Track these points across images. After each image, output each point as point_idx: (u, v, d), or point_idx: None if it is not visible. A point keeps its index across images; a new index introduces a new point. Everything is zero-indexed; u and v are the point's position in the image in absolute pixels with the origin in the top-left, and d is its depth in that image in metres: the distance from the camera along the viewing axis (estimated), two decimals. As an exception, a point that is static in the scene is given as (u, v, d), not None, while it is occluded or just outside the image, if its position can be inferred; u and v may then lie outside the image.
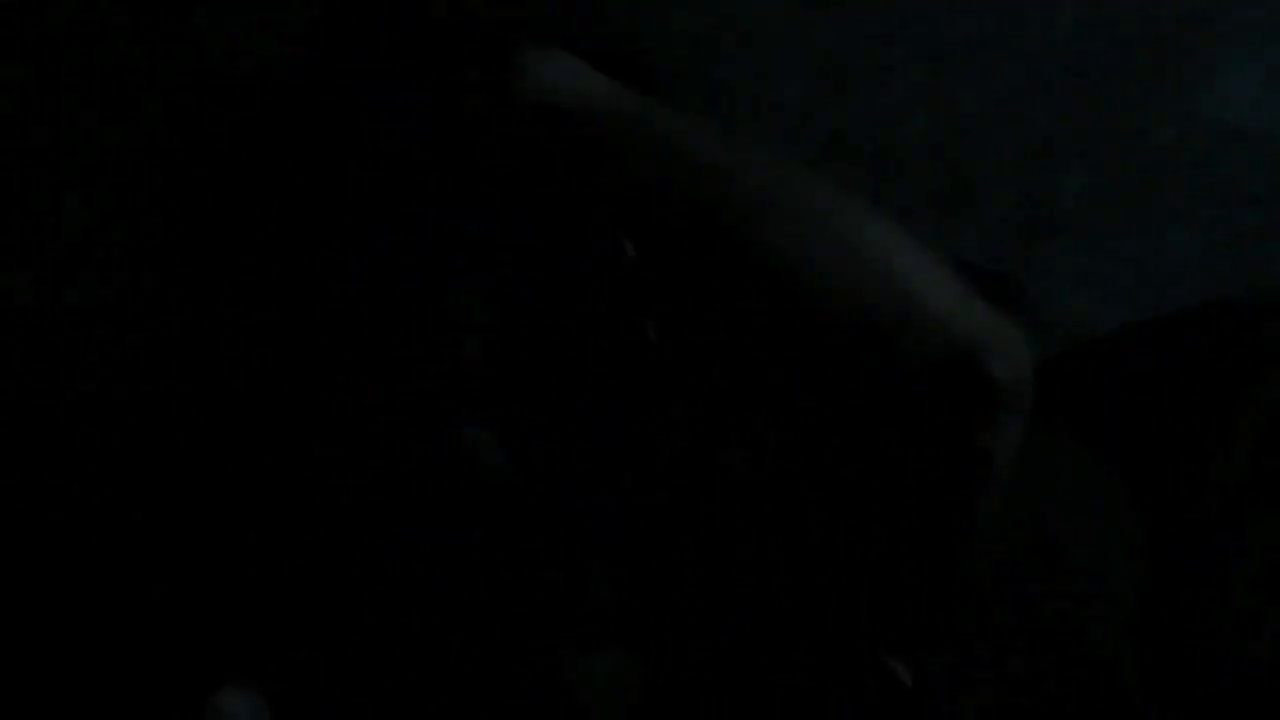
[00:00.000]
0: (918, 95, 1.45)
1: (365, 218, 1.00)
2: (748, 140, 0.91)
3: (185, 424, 1.10)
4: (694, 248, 0.90)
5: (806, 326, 0.87)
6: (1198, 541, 1.34)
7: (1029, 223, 1.49)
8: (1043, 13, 1.43)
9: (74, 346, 1.14)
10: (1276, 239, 1.51)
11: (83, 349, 1.11)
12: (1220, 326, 1.42)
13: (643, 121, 0.91)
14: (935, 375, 0.87)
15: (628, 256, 0.89)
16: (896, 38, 1.44)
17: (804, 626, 0.95)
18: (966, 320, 0.86)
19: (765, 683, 0.95)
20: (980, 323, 0.85)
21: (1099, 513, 1.12)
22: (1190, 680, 1.16)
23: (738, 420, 0.94)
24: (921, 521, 0.93)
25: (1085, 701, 1.04)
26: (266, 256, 1.08)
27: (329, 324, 1.04)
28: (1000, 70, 1.47)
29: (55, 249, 1.16)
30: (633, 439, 0.92)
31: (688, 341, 0.93)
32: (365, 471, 0.99)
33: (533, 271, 0.92)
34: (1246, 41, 1.48)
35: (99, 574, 1.06)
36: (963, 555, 0.95)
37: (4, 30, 1.15)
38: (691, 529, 0.94)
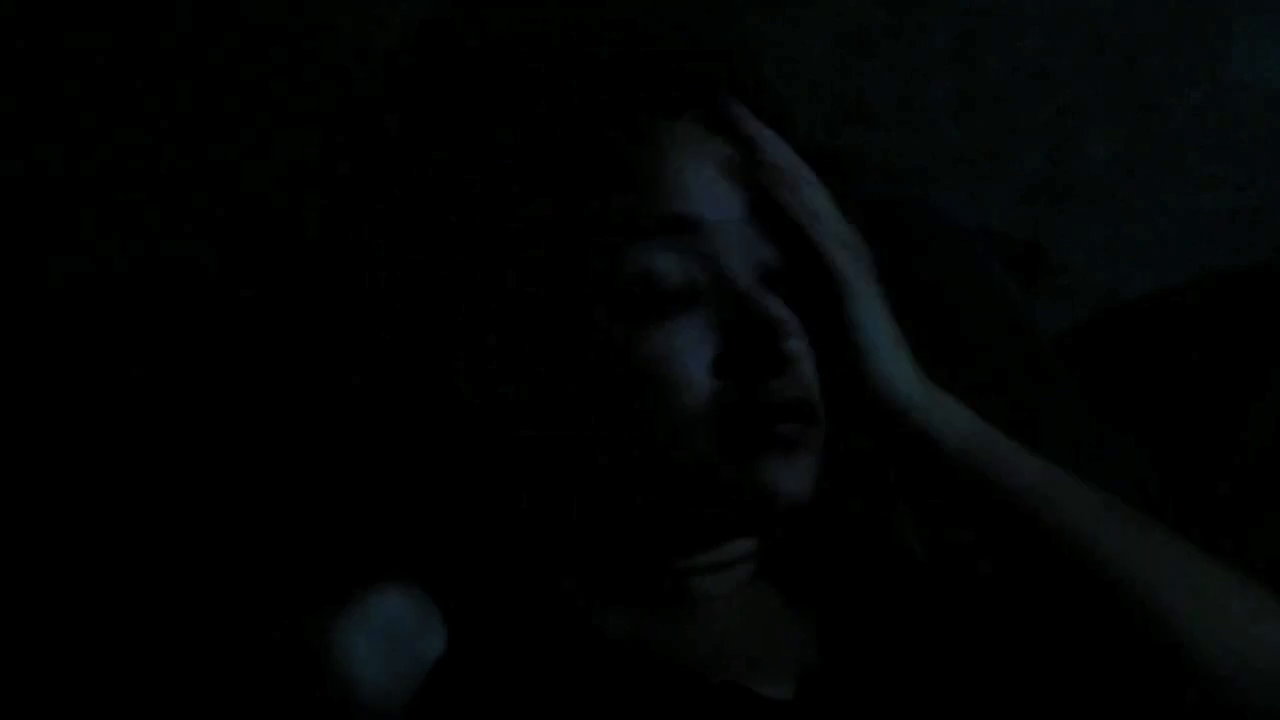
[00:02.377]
0: (942, 59, 1.43)
1: None
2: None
3: None
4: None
5: None
6: (1224, 512, 1.33)
7: (1053, 188, 1.48)
8: (1067, -25, 1.41)
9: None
10: (1304, 204, 1.50)
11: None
12: (1248, 292, 1.41)
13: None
14: None
15: None
16: (921, 4, 1.42)
17: None
18: None
19: None
20: None
21: (1129, 495, 1.11)
22: None
23: None
24: None
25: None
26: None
27: None
28: (1024, 34, 1.45)
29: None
30: None
31: None
32: None
33: None
34: (1270, 4, 1.46)
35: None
36: None
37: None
38: None
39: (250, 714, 0.82)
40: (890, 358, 0.84)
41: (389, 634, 0.82)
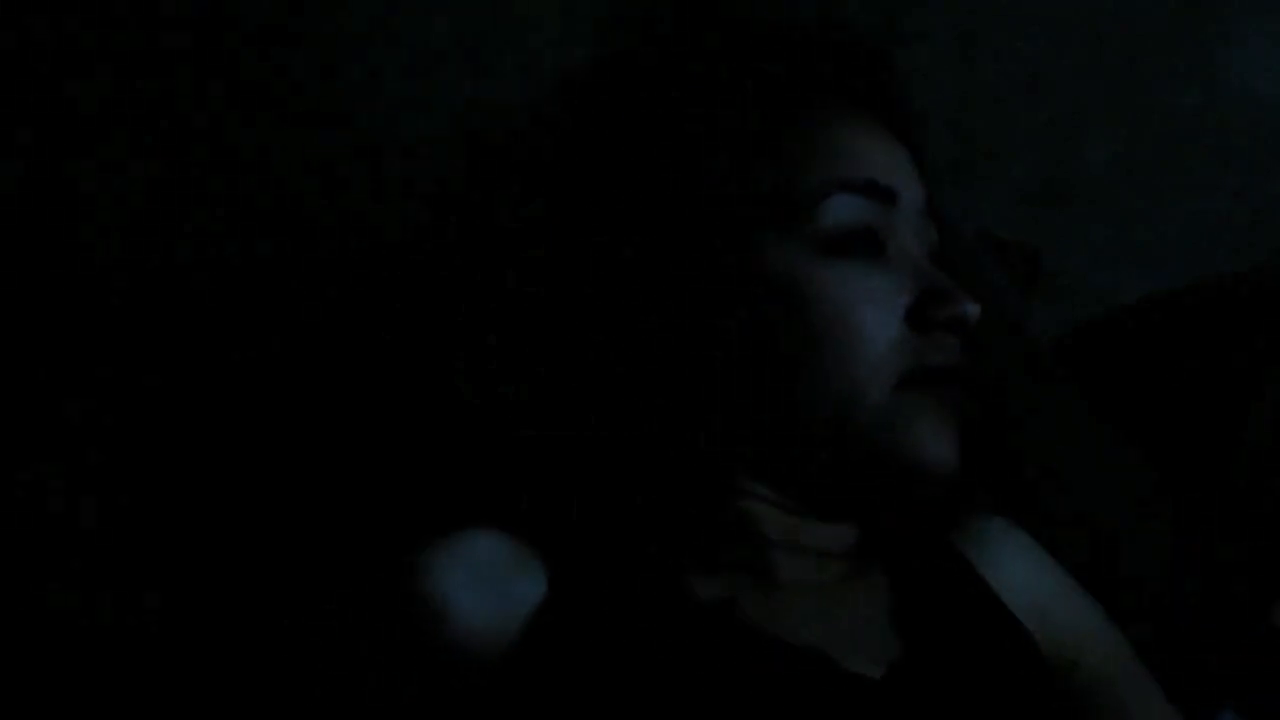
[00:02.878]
0: (940, 63, 1.43)
1: None
2: None
3: None
4: None
5: None
6: (1223, 516, 1.33)
7: (1052, 191, 1.48)
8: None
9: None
10: (1300, 207, 1.50)
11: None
12: (1245, 295, 1.41)
13: None
14: None
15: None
16: (920, 6, 1.42)
17: None
18: None
19: None
20: None
21: (1130, 496, 1.11)
22: (1212, 656, 1.14)
23: None
24: None
25: None
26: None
27: None
28: (1022, 38, 1.45)
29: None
30: None
31: None
32: None
33: None
34: (1269, 7, 1.46)
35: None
36: None
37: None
38: None
39: (348, 635, 0.85)
40: None
41: (486, 571, 0.84)
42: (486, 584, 0.83)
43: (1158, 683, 0.98)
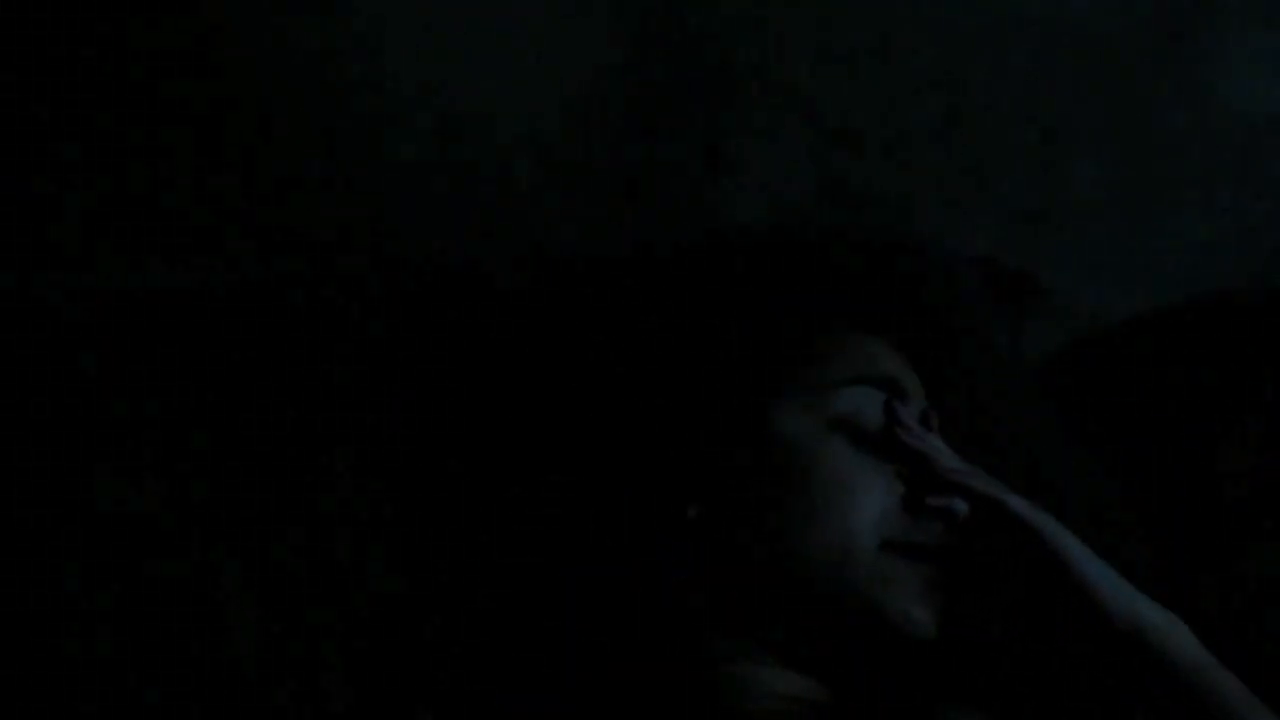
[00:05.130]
0: (927, 80, 1.43)
1: None
2: None
3: None
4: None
5: None
6: (1205, 540, 1.33)
7: (1039, 211, 1.47)
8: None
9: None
10: (1290, 226, 1.50)
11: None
12: (1233, 316, 1.41)
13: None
14: None
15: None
16: (907, 22, 1.41)
17: None
18: None
19: None
20: None
21: (1101, 523, 1.13)
22: None
23: None
24: None
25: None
26: None
27: None
28: (1010, 55, 1.45)
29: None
30: None
31: None
32: None
33: None
34: (1260, 25, 1.46)
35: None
36: None
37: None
38: None
39: None
40: (1118, 586, 0.98)
41: None
42: None
43: None
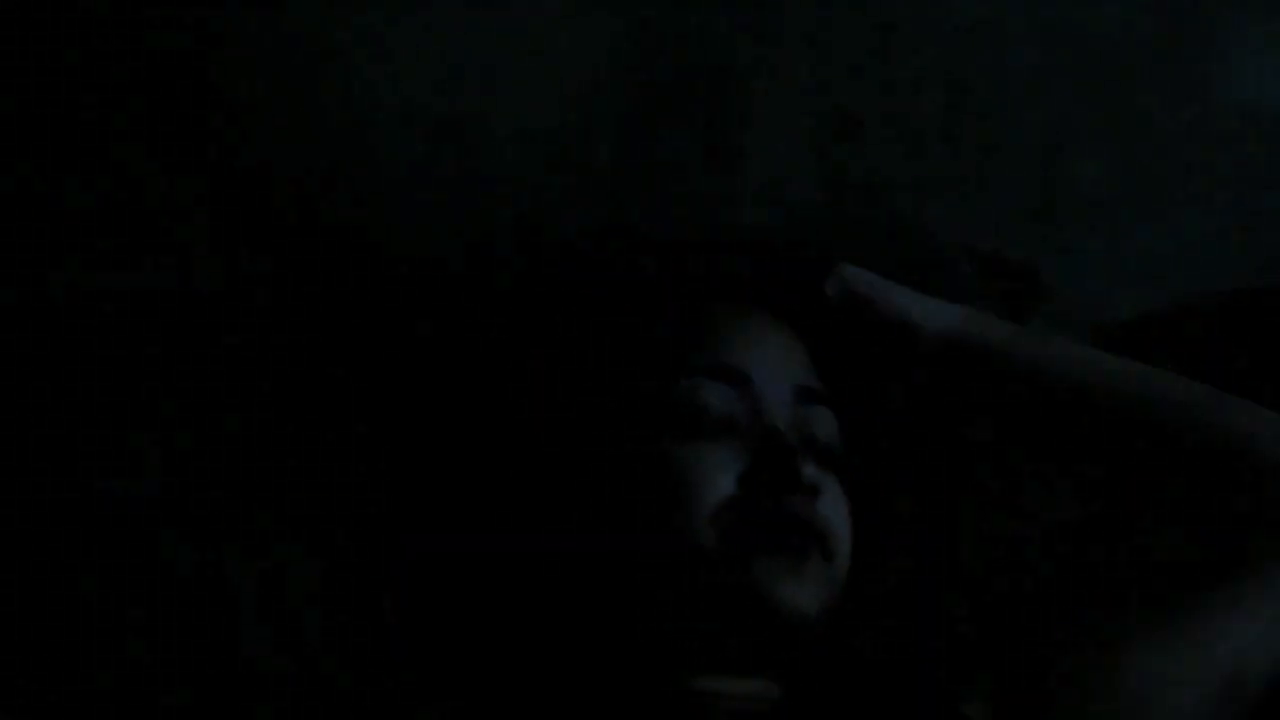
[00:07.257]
0: (931, 77, 1.42)
1: None
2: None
3: None
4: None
5: None
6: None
7: (1044, 207, 1.47)
8: (1057, -9, 1.40)
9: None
10: (1296, 221, 1.49)
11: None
12: (1234, 316, 1.41)
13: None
14: None
15: None
16: (910, 19, 1.40)
17: None
18: None
19: None
20: None
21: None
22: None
23: None
24: None
25: None
26: None
27: None
28: (1014, 51, 1.44)
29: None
30: None
31: None
32: None
33: None
34: (1264, 19, 1.45)
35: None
36: None
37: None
38: None
39: None
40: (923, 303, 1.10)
41: None
42: None
43: None
